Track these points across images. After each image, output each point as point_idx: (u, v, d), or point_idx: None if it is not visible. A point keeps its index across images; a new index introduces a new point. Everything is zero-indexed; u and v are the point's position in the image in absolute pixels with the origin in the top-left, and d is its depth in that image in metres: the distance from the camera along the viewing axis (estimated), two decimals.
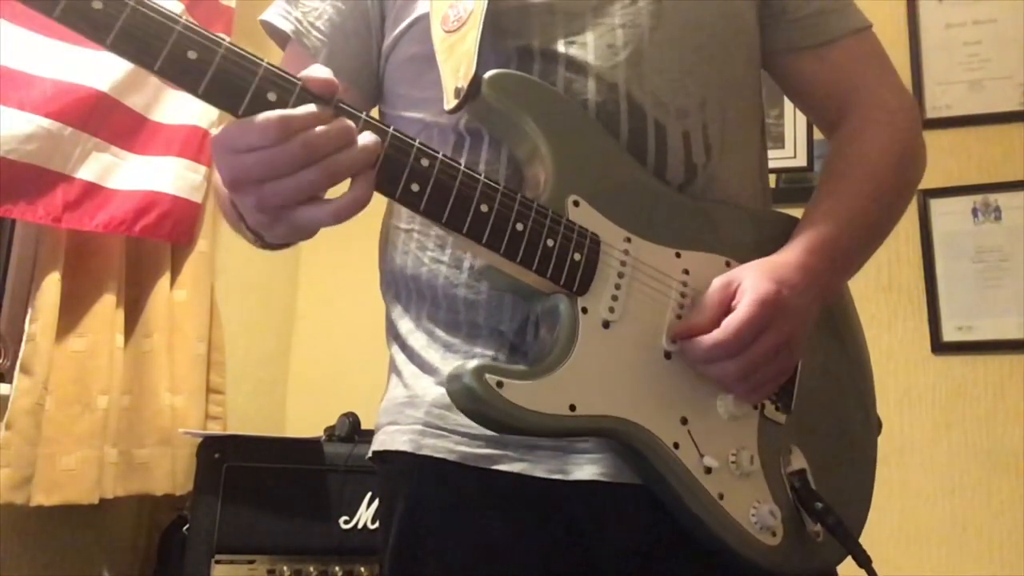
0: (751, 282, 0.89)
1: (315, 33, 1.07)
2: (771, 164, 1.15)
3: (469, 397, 0.80)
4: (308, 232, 0.80)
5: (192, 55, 0.73)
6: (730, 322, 0.86)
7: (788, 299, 0.88)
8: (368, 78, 1.08)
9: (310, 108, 0.75)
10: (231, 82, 0.74)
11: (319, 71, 0.78)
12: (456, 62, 0.92)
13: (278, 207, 0.76)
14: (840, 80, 1.10)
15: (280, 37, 1.11)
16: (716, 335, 0.86)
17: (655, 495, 0.88)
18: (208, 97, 0.74)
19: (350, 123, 0.76)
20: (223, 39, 0.75)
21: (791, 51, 1.10)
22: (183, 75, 0.73)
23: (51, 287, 1.91)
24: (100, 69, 1.93)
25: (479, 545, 0.93)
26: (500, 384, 0.80)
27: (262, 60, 0.76)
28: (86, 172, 1.96)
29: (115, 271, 2.07)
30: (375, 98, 1.10)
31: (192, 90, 0.74)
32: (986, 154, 2.33)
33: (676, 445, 0.87)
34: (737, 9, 1.05)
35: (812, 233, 0.97)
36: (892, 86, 1.11)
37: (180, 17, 0.74)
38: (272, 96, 0.75)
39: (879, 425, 1.07)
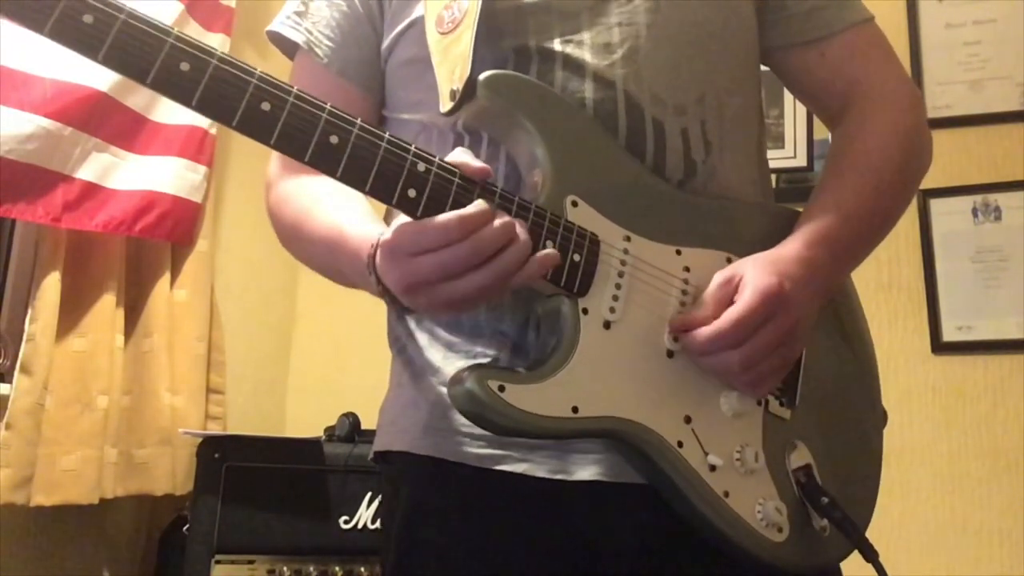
0: (752, 276, 0.89)
1: (326, 42, 1.06)
2: (771, 164, 1.14)
3: (471, 401, 0.80)
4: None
5: (185, 67, 0.73)
6: (731, 313, 0.87)
7: (790, 292, 0.88)
8: (381, 80, 1.08)
9: (482, 206, 0.78)
10: (225, 93, 0.74)
11: (471, 159, 0.82)
12: (451, 64, 0.91)
13: (452, 302, 0.80)
14: (841, 74, 1.09)
15: (287, 47, 1.11)
16: (717, 325, 0.87)
17: (659, 494, 0.88)
18: (202, 109, 0.74)
19: (510, 219, 0.79)
20: (215, 50, 0.75)
21: (791, 47, 1.10)
22: (176, 88, 0.73)
23: (51, 287, 1.91)
24: (100, 69, 1.93)
25: (481, 546, 0.93)
26: (502, 388, 0.80)
27: (255, 70, 0.76)
28: (86, 172, 1.96)
29: (115, 271, 2.07)
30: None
31: (185, 102, 0.74)
32: (986, 154, 2.33)
33: (680, 444, 0.87)
34: (735, 5, 1.04)
35: (812, 227, 0.97)
36: (895, 76, 1.10)
37: (172, 29, 0.73)
38: (266, 106, 0.75)
39: (884, 417, 1.07)
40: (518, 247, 0.79)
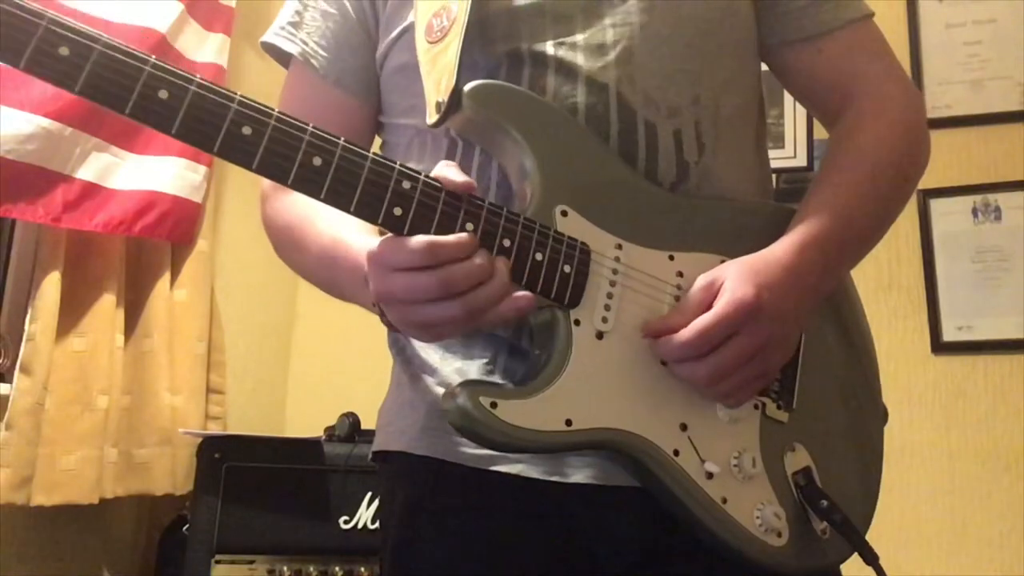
0: (731, 283, 0.87)
1: (322, 53, 1.05)
2: (771, 164, 1.13)
3: (464, 418, 0.80)
4: None
5: (163, 95, 0.72)
6: (698, 322, 0.84)
7: (767, 302, 0.86)
8: (378, 87, 1.07)
9: (463, 238, 0.78)
10: (205, 120, 0.73)
11: (454, 173, 0.81)
12: (438, 74, 0.90)
13: (420, 325, 0.80)
14: (838, 72, 1.07)
15: (282, 57, 1.10)
16: (683, 334, 0.85)
17: (657, 499, 0.87)
18: (182, 136, 0.74)
19: (489, 258, 0.79)
20: (195, 77, 0.74)
21: (787, 44, 1.08)
22: (155, 117, 0.73)
23: (51, 287, 1.91)
24: None
25: (478, 546, 0.93)
26: (494, 404, 0.79)
27: (235, 94, 0.75)
28: (86, 172, 1.96)
29: (115, 271, 2.07)
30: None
31: (165, 130, 0.73)
32: (986, 154, 2.33)
33: (676, 452, 0.86)
34: (732, 3, 1.03)
35: (804, 228, 0.94)
36: (893, 76, 1.08)
37: (150, 57, 0.73)
38: (247, 130, 0.75)
39: (885, 415, 1.06)
40: (493, 286, 0.78)
